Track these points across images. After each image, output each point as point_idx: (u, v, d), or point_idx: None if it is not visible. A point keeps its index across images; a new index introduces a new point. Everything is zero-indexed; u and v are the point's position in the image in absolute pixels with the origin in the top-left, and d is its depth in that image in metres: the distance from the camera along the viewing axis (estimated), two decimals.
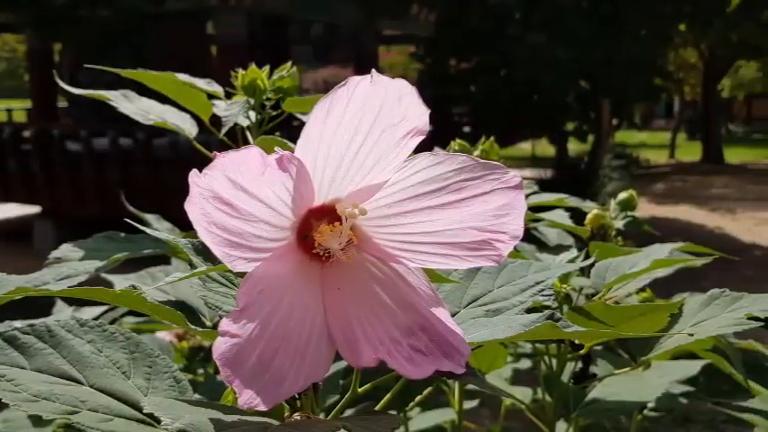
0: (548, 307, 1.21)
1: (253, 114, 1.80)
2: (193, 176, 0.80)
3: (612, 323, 1.37)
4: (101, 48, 13.24)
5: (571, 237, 2.12)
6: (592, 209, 2.00)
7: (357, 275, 0.94)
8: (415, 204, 0.91)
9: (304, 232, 0.91)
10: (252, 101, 1.74)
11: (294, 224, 0.89)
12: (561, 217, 1.96)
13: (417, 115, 0.88)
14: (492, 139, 1.95)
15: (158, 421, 0.82)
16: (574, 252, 1.87)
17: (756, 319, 1.30)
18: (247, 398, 0.84)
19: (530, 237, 1.98)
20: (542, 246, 2.04)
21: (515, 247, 0.96)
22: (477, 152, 1.90)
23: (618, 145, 22.92)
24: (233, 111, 1.69)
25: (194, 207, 0.80)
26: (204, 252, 1.02)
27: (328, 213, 0.91)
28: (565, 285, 1.65)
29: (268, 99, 1.77)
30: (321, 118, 0.86)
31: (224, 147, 1.13)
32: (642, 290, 2.18)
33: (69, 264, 1.61)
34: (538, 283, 1.19)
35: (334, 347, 0.92)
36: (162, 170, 11.73)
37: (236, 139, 1.80)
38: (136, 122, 1.78)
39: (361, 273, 0.95)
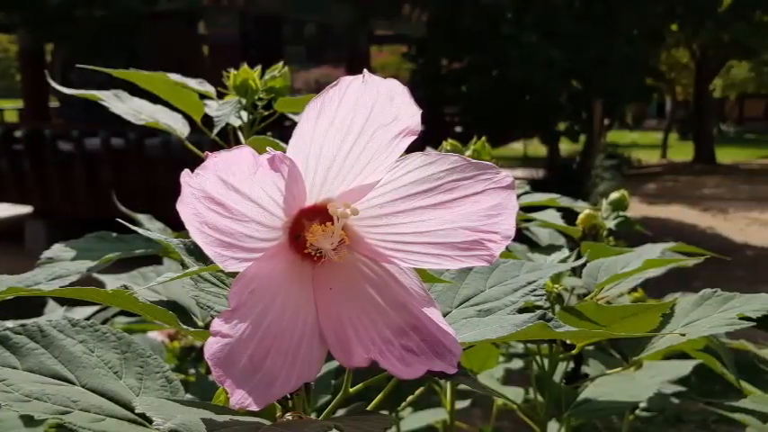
0: (539, 307, 1.21)
1: (245, 114, 1.80)
2: (185, 177, 0.80)
3: (604, 323, 1.37)
4: (93, 48, 13.24)
5: (563, 237, 2.13)
6: (584, 209, 2.01)
7: (349, 275, 0.95)
8: (406, 204, 0.91)
9: (296, 232, 0.91)
10: (244, 101, 1.74)
11: (286, 224, 0.89)
12: (553, 217, 1.96)
13: (409, 115, 0.88)
14: (484, 138, 1.95)
15: (150, 421, 0.82)
16: (565, 252, 1.87)
17: (748, 319, 1.30)
18: (239, 398, 0.84)
19: (521, 237, 1.98)
20: (534, 246, 2.04)
21: (507, 248, 0.96)
22: (468, 152, 1.90)
23: (609, 145, 22.94)
24: (225, 111, 1.69)
25: (186, 207, 0.80)
26: (196, 252, 1.02)
27: (320, 213, 0.91)
28: (557, 285, 1.65)
29: (260, 99, 1.77)
30: (313, 118, 0.86)
31: (216, 147, 1.13)
32: (634, 290, 2.18)
33: (61, 264, 1.60)
34: (530, 284, 1.19)
35: (326, 347, 0.92)
36: (154, 170, 11.71)
37: (228, 139, 1.80)
38: (128, 122, 1.78)
39: (353, 273, 0.95)
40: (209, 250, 0.83)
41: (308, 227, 0.90)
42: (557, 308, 1.64)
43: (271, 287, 0.89)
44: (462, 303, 1.17)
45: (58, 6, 11.74)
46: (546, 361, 1.69)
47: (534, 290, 1.18)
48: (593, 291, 1.65)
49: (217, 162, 0.81)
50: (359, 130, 0.87)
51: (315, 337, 0.91)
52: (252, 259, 0.87)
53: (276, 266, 0.90)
